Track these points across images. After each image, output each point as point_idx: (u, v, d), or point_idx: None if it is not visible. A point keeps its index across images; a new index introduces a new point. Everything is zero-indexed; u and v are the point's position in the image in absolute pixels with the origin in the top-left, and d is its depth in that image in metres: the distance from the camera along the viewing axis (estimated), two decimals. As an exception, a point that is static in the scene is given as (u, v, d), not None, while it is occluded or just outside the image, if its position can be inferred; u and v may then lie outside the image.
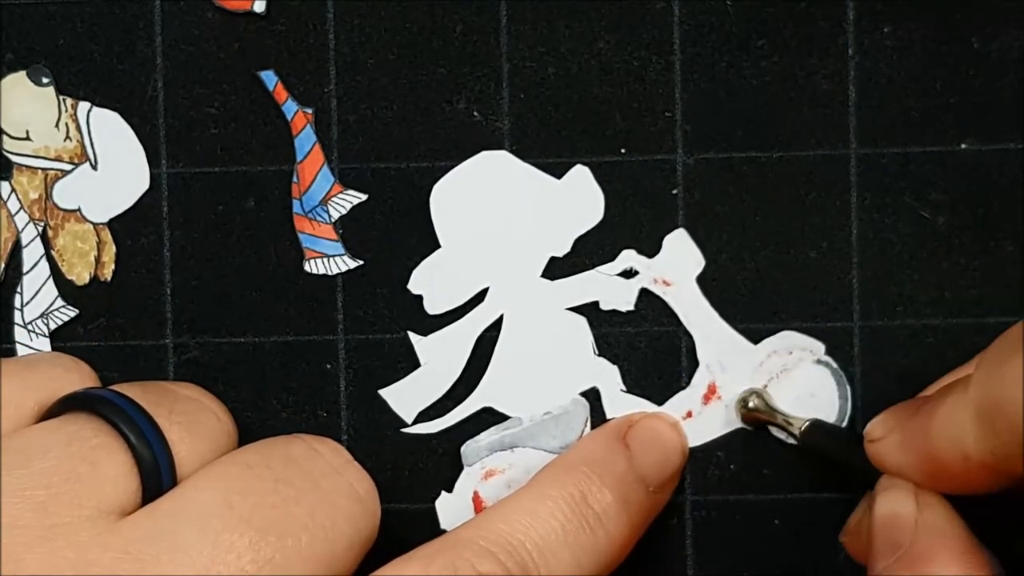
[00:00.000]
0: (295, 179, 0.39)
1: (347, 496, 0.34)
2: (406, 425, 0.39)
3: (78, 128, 0.39)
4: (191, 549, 0.31)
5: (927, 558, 0.32)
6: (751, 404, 0.38)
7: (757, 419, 0.38)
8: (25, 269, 0.39)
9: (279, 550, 0.32)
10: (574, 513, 0.35)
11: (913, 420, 0.33)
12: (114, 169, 0.39)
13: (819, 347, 0.38)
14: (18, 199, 0.39)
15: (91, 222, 0.39)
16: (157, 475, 0.33)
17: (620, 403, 0.39)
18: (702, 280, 0.39)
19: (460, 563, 0.32)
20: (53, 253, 0.39)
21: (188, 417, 0.35)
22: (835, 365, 0.38)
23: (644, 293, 0.39)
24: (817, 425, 0.37)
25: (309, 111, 0.39)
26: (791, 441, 0.38)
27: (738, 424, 0.39)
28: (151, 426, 0.33)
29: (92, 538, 0.31)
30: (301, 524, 0.32)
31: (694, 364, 0.39)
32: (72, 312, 0.39)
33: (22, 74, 0.39)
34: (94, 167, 0.39)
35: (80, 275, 0.39)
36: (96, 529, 0.31)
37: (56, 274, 0.39)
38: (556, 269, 0.39)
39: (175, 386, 0.37)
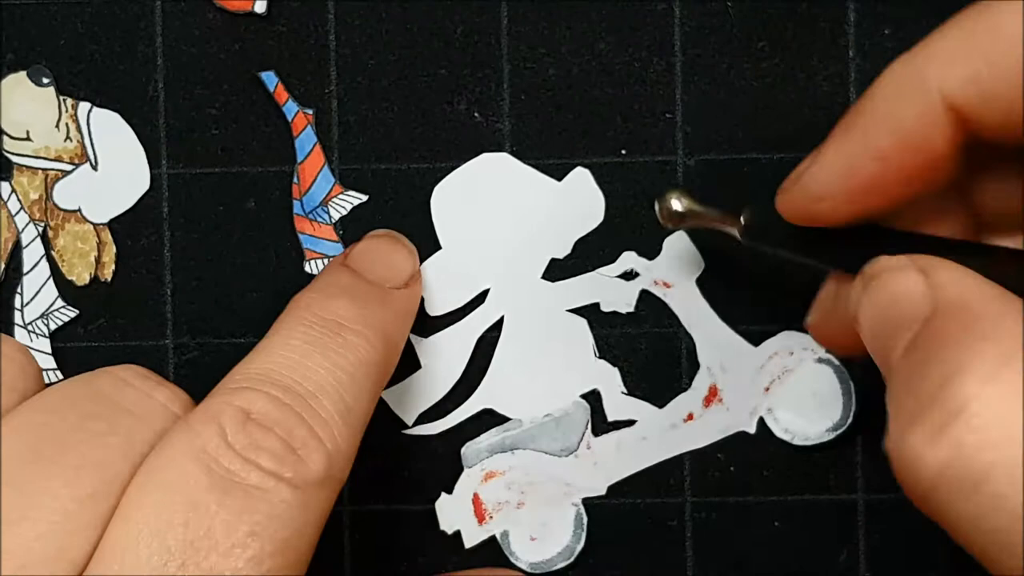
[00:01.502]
0: (295, 180, 0.39)
1: (162, 416, 0.33)
2: (406, 426, 0.39)
3: (78, 128, 0.39)
4: (1, 503, 0.30)
5: (967, 310, 0.28)
6: (676, 208, 0.34)
7: (684, 222, 0.35)
8: (25, 269, 0.39)
9: (99, 482, 0.31)
10: (311, 329, 0.34)
11: (838, 128, 0.32)
12: (114, 169, 0.39)
13: (820, 346, 0.38)
14: (18, 199, 0.39)
15: (91, 222, 0.39)
16: None
17: (621, 405, 0.39)
18: (702, 282, 0.39)
19: (217, 407, 0.32)
20: (53, 253, 0.39)
21: None
22: (837, 363, 0.38)
23: (644, 295, 0.39)
24: (761, 209, 0.33)
25: (310, 112, 0.39)
26: (734, 234, 0.34)
27: (740, 427, 0.39)
28: None
29: None
30: (120, 452, 0.31)
31: (694, 366, 0.39)
32: (72, 312, 0.39)
33: (22, 74, 0.39)
34: (94, 167, 0.39)
35: (80, 275, 0.39)
36: None
37: (56, 274, 0.39)
38: (557, 271, 0.39)
39: None
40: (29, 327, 0.39)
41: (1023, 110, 0.29)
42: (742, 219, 0.34)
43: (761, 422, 0.39)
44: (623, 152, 0.38)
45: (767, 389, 0.38)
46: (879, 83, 0.31)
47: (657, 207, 0.35)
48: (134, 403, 0.33)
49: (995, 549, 0.26)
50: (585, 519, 0.39)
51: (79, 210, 0.39)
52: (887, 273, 0.30)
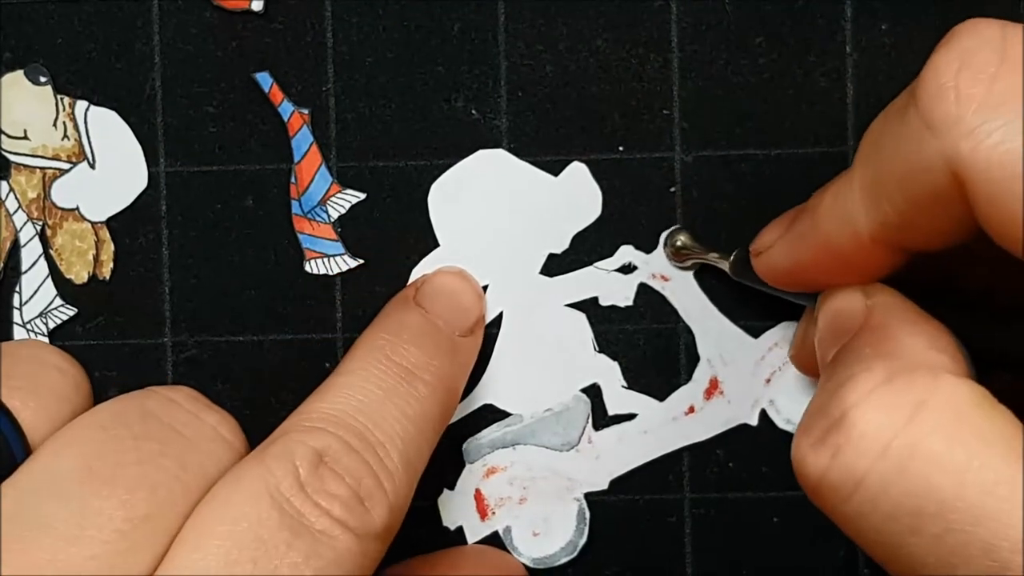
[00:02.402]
0: (293, 180, 0.39)
1: (212, 440, 0.34)
2: (406, 423, 0.39)
3: (76, 127, 0.39)
4: (56, 520, 0.30)
5: (882, 329, 0.30)
6: (679, 243, 0.38)
7: (688, 257, 0.38)
8: (24, 268, 0.39)
9: (153, 504, 0.31)
10: (385, 374, 0.34)
11: (798, 220, 0.33)
12: (112, 168, 0.39)
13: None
14: (16, 198, 0.39)
15: (89, 221, 0.39)
16: (7, 450, 0.32)
17: (621, 399, 0.39)
18: (701, 277, 0.39)
19: (292, 446, 0.32)
20: (52, 252, 0.39)
21: (27, 380, 0.34)
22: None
23: (643, 288, 0.39)
24: (745, 255, 0.37)
25: (305, 112, 0.39)
26: (723, 268, 0.38)
27: (742, 419, 0.39)
28: None
29: None
30: (172, 475, 0.32)
31: (694, 361, 0.39)
32: (71, 311, 0.39)
33: (19, 73, 0.39)
34: (92, 166, 0.39)
35: (79, 274, 0.39)
36: None
37: (55, 273, 0.39)
38: (555, 266, 0.39)
39: (10, 347, 0.37)
40: (28, 326, 0.39)
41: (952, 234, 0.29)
42: (732, 258, 0.37)
43: (763, 414, 0.39)
44: (620, 149, 0.38)
45: (768, 380, 0.39)
46: (822, 197, 0.32)
47: (666, 242, 0.38)
48: (184, 425, 0.34)
49: (873, 547, 0.28)
50: (587, 514, 0.39)
51: (77, 208, 0.39)
52: (836, 294, 0.33)
